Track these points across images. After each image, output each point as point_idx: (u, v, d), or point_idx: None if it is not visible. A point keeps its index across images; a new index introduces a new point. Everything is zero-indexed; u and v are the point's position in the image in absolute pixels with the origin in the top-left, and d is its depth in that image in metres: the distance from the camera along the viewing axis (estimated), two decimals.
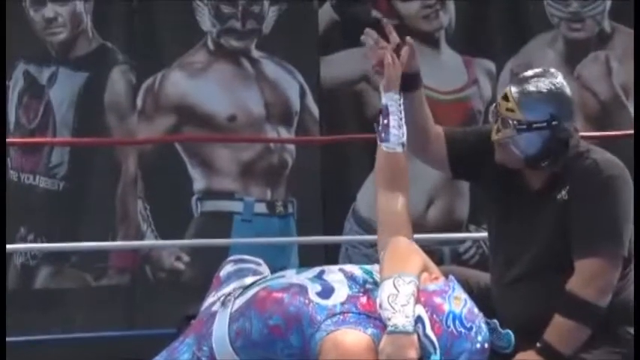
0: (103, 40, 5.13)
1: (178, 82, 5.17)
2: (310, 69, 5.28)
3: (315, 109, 5.29)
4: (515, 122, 2.60)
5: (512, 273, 2.67)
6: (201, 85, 5.19)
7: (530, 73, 2.64)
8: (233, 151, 5.23)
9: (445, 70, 5.40)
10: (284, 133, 5.26)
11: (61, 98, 5.07)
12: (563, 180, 2.62)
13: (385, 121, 2.56)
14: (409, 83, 2.60)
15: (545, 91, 2.60)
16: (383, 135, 2.56)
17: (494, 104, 2.67)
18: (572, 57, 5.51)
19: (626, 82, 5.46)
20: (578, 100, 5.49)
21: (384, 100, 2.57)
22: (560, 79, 2.63)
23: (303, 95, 5.29)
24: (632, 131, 2.99)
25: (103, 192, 5.08)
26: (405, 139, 2.56)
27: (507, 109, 2.61)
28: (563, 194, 2.62)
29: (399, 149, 2.55)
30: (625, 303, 2.61)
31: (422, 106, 2.69)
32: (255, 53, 5.26)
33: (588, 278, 2.56)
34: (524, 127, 2.60)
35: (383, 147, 2.57)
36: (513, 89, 2.61)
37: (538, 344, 2.57)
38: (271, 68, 5.25)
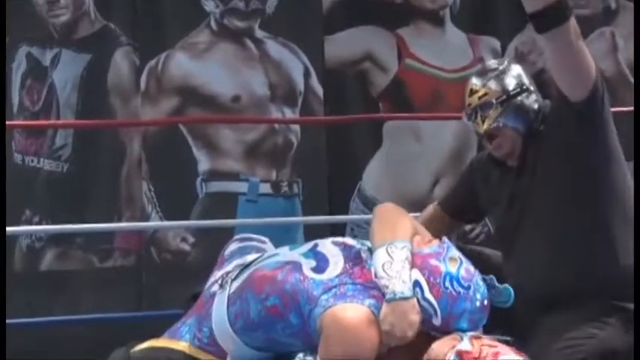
0: (106, 21, 5.13)
1: (182, 63, 5.18)
2: (314, 49, 5.29)
3: (319, 89, 5.30)
4: (495, 100, 2.71)
5: (518, 243, 2.72)
6: (204, 66, 5.20)
7: (483, 66, 2.82)
8: (237, 132, 5.23)
9: (450, 49, 5.40)
10: (288, 114, 5.27)
11: (64, 80, 5.07)
12: (539, 138, 2.70)
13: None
14: None
15: (501, 67, 2.75)
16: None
17: (465, 110, 2.77)
18: None
19: (631, 59, 5.48)
20: None
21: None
22: (507, 60, 2.80)
23: (307, 75, 5.30)
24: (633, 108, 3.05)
25: (108, 174, 5.10)
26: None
27: (480, 97, 2.73)
28: (540, 149, 2.68)
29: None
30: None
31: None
32: (259, 33, 5.27)
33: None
34: (505, 97, 2.72)
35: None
36: (474, 81, 2.76)
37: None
38: (275, 48, 5.26)
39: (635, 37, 2.63)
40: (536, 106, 2.75)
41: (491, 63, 2.83)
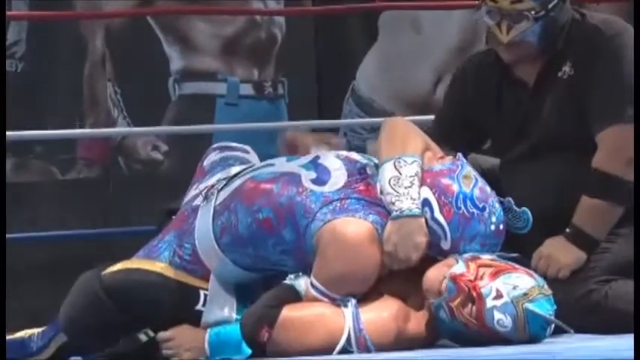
0: None
1: None
2: None
3: None
4: (530, 12, 2.61)
5: (521, 152, 2.71)
6: None
7: None
8: (214, 26, 5.20)
9: None
10: (272, 4, 5.21)
11: None
12: (563, 55, 2.68)
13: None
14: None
15: None
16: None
17: (483, 3, 2.67)
18: None
19: None
20: None
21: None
22: None
23: None
24: None
25: (68, 74, 5.08)
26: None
27: (513, 2, 2.63)
28: (565, 70, 2.66)
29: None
30: None
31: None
32: None
33: (613, 150, 2.61)
34: (543, 12, 2.62)
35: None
36: None
37: (568, 230, 2.62)
38: None
39: (635, 37, 2.62)
40: (567, 15, 2.68)
41: None
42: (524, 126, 2.71)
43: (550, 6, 2.64)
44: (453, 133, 2.80)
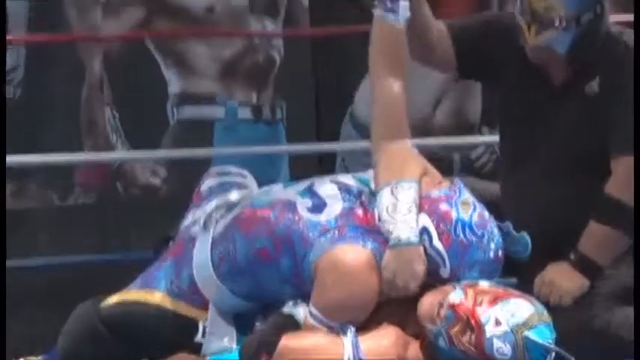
0: None
1: None
2: None
3: None
4: (561, 21, 2.58)
5: (531, 173, 2.69)
6: None
7: None
8: (212, 48, 5.20)
9: None
10: (270, 26, 5.22)
11: None
12: (593, 69, 2.64)
13: None
14: None
15: None
16: (389, 4, 2.50)
17: (520, 1, 2.64)
18: None
19: None
20: None
21: None
22: None
23: None
24: None
25: (66, 99, 5.07)
26: (409, 13, 2.50)
27: (547, 8, 2.59)
28: (593, 86, 2.63)
29: (404, 23, 2.51)
30: None
31: (423, 9, 2.67)
32: None
33: (628, 179, 2.57)
34: (573, 24, 2.59)
35: (389, 20, 2.52)
36: None
37: (572, 255, 2.60)
38: None
39: (635, 37, 2.60)
40: (599, 31, 2.63)
41: None
42: (542, 131, 2.68)
43: (583, 19, 2.60)
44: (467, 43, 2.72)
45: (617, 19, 2.79)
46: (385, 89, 2.54)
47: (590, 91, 2.64)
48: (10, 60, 5.07)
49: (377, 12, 2.53)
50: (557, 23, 2.59)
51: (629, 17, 3.23)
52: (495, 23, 2.73)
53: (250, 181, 2.75)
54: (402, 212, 2.39)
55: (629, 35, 2.67)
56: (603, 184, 2.61)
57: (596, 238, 2.60)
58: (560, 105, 2.66)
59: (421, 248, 2.40)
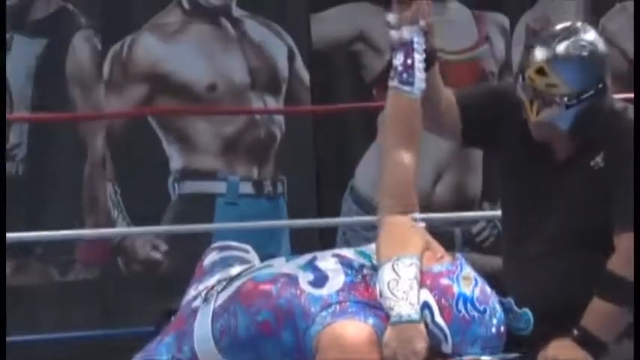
0: (63, 1, 5.11)
1: (150, 47, 5.17)
2: (299, 28, 5.28)
3: (305, 75, 5.29)
4: (562, 98, 2.59)
5: (534, 249, 2.68)
6: (175, 49, 5.19)
7: (557, 33, 2.61)
8: (214, 125, 5.23)
9: (453, 27, 5.39)
10: (271, 103, 5.26)
11: (17, 69, 5.05)
12: (597, 144, 2.64)
13: (409, 61, 2.48)
14: (428, 58, 2.58)
15: (586, 53, 2.59)
16: (405, 77, 2.48)
17: (520, 77, 2.63)
18: (595, 8, 5.52)
19: None
20: None
21: (407, 35, 2.49)
22: (592, 33, 2.63)
23: (291, 59, 5.29)
24: None
25: (68, 175, 5.08)
26: (425, 84, 2.48)
27: (548, 85, 2.58)
28: (597, 161, 2.63)
29: (419, 94, 2.49)
30: None
31: (436, 80, 2.69)
32: (237, 12, 5.25)
33: (631, 255, 2.56)
34: (575, 101, 2.59)
35: (405, 92, 2.50)
36: (548, 60, 2.58)
37: (575, 331, 2.59)
38: (255, 29, 5.25)
39: (635, 37, 2.61)
40: (603, 104, 2.63)
41: (571, 31, 2.60)
42: (544, 205, 2.67)
43: (584, 96, 2.59)
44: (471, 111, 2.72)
45: (619, 97, 2.80)
46: (396, 160, 2.52)
47: (594, 165, 2.64)
48: (13, 137, 5.09)
49: (393, 83, 2.51)
50: (558, 100, 2.61)
51: (630, 95, 3.28)
52: (501, 93, 2.74)
53: (253, 256, 2.75)
54: (403, 289, 2.38)
55: (632, 111, 2.68)
56: (607, 260, 2.61)
57: (599, 314, 2.58)
58: (564, 179, 2.65)
59: (422, 325, 2.38)
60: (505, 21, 5.51)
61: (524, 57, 2.66)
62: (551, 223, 2.66)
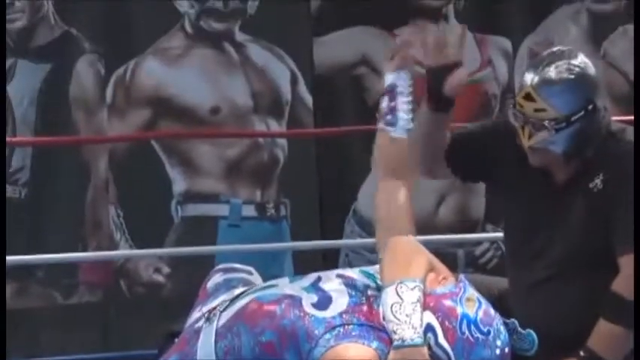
0: (67, 26, 5.13)
1: (153, 71, 5.18)
2: (302, 52, 5.29)
3: (308, 98, 5.30)
4: (551, 122, 2.59)
5: (538, 274, 2.67)
6: (179, 74, 5.20)
7: (543, 59, 2.63)
8: (217, 148, 5.24)
9: None
10: (274, 126, 5.27)
11: (20, 94, 5.07)
12: (596, 166, 2.64)
13: (392, 104, 2.57)
14: (447, 104, 2.63)
15: (573, 77, 2.60)
16: (389, 118, 2.57)
17: (512, 104, 2.65)
18: (597, 33, 5.52)
19: None
20: (604, 81, 5.50)
21: (391, 79, 2.59)
22: (581, 57, 2.64)
23: (294, 82, 5.30)
24: None
25: (71, 198, 5.09)
26: (411, 125, 2.58)
27: (537, 110, 2.59)
28: (597, 183, 2.63)
29: (405, 135, 2.57)
30: None
31: (448, 127, 2.72)
32: (240, 36, 5.27)
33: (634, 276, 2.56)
34: (564, 124, 2.60)
35: (389, 133, 2.57)
36: (535, 85, 2.59)
37: (582, 353, 2.58)
38: (258, 53, 5.26)
39: (635, 37, 2.61)
40: (596, 126, 2.64)
41: (558, 56, 2.62)
42: (546, 229, 2.66)
43: (573, 118, 2.59)
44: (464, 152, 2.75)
45: (621, 119, 2.80)
46: (386, 194, 2.55)
47: (593, 188, 2.64)
48: (16, 161, 5.09)
49: (379, 125, 2.59)
50: (547, 125, 2.61)
51: (630, 118, 3.28)
52: (497, 126, 2.76)
53: (256, 278, 2.73)
54: (406, 312, 2.37)
55: (630, 133, 2.68)
56: (611, 280, 2.60)
57: (605, 335, 2.57)
58: (564, 203, 2.65)
59: (425, 349, 2.36)
60: (507, 44, 5.51)
61: (518, 84, 2.68)
62: (555, 248, 2.66)
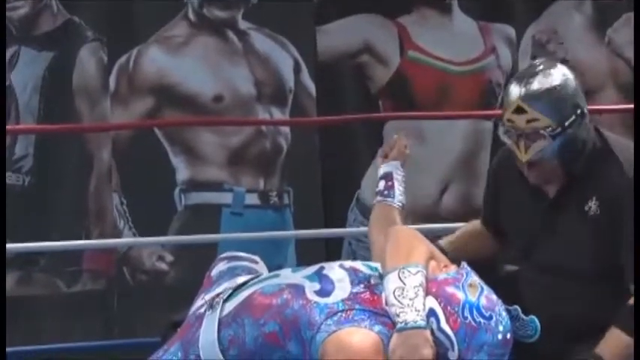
0: (70, 14, 5.13)
1: (156, 60, 5.17)
2: (305, 41, 5.28)
3: (311, 86, 5.29)
4: (547, 129, 2.61)
5: (547, 279, 2.69)
6: (182, 62, 5.19)
7: (524, 73, 2.68)
8: (220, 136, 5.23)
9: (459, 39, 5.39)
10: (277, 114, 5.26)
11: (23, 82, 5.06)
12: (588, 187, 2.66)
13: (389, 183, 2.82)
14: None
15: (558, 84, 2.63)
16: (386, 193, 2.82)
17: (501, 124, 2.67)
18: (601, 20, 5.51)
19: None
20: (609, 69, 5.50)
21: (387, 169, 2.85)
22: (560, 66, 2.68)
23: (297, 71, 5.29)
24: None
25: (74, 186, 5.09)
26: (405, 201, 2.80)
27: (529, 121, 2.61)
28: (591, 206, 2.64)
29: (400, 205, 2.79)
30: None
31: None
32: (243, 24, 5.26)
33: None
34: (559, 130, 2.61)
35: (385, 203, 2.80)
36: (524, 97, 2.62)
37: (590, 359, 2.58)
38: (261, 41, 5.25)
39: (635, 38, 2.61)
40: (587, 133, 2.66)
41: (538, 68, 2.67)
42: (539, 239, 2.69)
43: (567, 123, 2.62)
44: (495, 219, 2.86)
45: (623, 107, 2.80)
46: (382, 241, 2.63)
47: (587, 210, 2.65)
48: (19, 149, 5.09)
49: (376, 199, 2.82)
50: (543, 133, 2.62)
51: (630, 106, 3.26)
52: (502, 154, 2.81)
53: (261, 267, 2.75)
54: (409, 296, 2.39)
55: (615, 147, 2.68)
56: (613, 289, 2.61)
57: (615, 344, 2.58)
58: (560, 219, 2.68)
59: (428, 332, 2.38)
60: (511, 32, 5.50)
61: (502, 105, 2.72)
62: (563, 263, 2.68)
